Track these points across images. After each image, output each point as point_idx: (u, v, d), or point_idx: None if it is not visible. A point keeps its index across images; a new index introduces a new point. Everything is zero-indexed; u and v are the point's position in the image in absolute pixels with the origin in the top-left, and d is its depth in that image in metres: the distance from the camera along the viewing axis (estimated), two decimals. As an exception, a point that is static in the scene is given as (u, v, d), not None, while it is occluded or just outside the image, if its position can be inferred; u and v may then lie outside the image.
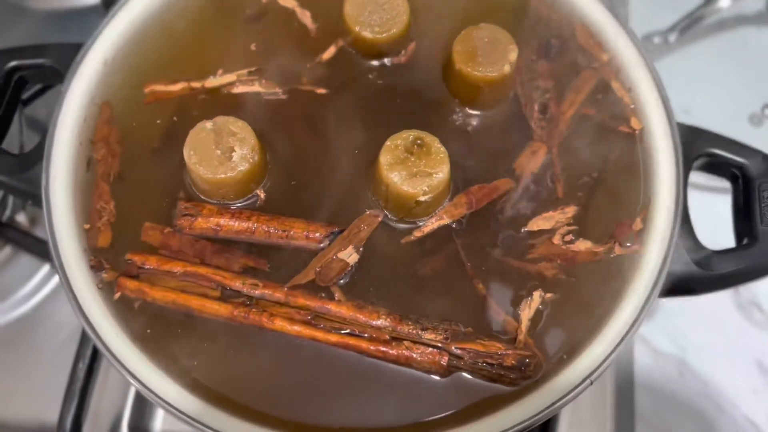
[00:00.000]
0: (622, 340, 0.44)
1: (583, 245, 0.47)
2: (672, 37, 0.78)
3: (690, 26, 0.78)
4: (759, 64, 0.81)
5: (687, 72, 0.80)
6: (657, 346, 0.69)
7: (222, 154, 0.46)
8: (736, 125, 0.79)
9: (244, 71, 0.51)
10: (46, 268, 0.69)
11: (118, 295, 0.46)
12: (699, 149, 0.51)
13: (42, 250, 0.67)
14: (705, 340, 0.70)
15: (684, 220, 0.48)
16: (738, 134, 0.78)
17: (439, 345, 0.42)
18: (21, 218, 0.70)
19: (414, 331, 0.42)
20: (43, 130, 0.49)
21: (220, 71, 0.51)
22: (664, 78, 0.53)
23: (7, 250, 0.69)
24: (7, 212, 0.69)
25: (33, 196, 0.49)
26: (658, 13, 0.80)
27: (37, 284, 0.69)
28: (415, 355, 0.42)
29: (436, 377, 0.43)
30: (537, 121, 0.51)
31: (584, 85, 0.52)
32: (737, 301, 0.71)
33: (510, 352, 0.43)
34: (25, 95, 0.55)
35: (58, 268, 0.45)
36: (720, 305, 0.71)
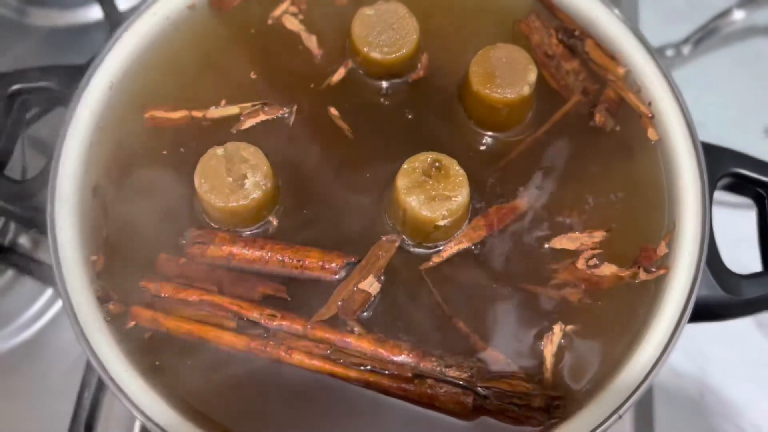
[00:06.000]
0: (650, 371, 0.42)
1: (608, 269, 0.45)
2: (686, 50, 0.77)
3: (704, 38, 0.77)
4: (774, 75, 0.79)
5: (701, 84, 0.78)
6: (676, 367, 0.68)
7: (234, 181, 0.44)
8: (752, 138, 0.77)
9: (248, 104, 0.49)
10: (49, 292, 0.67)
11: (131, 324, 0.44)
12: (723, 169, 0.50)
13: (45, 273, 0.65)
14: (725, 360, 0.68)
15: (709, 243, 0.47)
16: (755, 147, 0.76)
17: (465, 384, 0.41)
18: (23, 241, 0.68)
19: (438, 368, 0.41)
20: (46, 150, 0.47)
21: (223, 102, 0.50)
22: (677, 91, 0.52)
23: (10, 274, 0.67)
24: (10, 235, 0.68)
25: (37, 224, 0.47)
26: (671, 26, 0.79)
27: (41, 308, 0.67)
28: (439, 394, 0.41)
29: (461, 420, 0.41)
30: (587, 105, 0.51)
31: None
32: (757, 319, 0.69)
33: (538, 393, 0.41)
34: (28, 116, 0.54)
35: (65, 300, 0.44)
36: (740, 324, 0.68)
